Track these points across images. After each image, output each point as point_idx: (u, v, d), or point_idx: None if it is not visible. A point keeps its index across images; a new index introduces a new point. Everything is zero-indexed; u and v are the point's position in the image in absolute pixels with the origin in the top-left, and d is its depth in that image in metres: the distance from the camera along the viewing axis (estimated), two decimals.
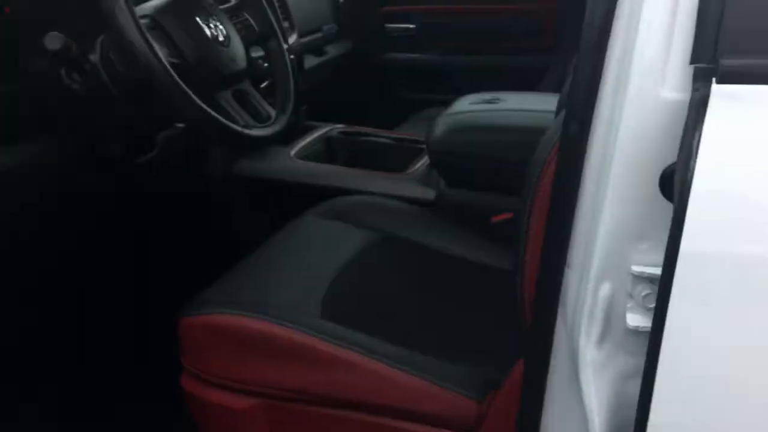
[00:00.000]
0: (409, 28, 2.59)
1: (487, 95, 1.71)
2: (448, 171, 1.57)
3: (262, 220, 1.76)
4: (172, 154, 1.47)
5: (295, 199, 1.71)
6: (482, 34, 2.53)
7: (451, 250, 1.42)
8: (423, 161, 1.71)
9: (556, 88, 2.04)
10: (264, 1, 1.42)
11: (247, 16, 1.39)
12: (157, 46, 1.08)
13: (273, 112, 1.34)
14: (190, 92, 1.10)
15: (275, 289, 1.19)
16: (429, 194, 1.59)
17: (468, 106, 1.63)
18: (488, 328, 1.16)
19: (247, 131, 1.21)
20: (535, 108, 1.59)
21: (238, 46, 1.29)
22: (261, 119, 1.30)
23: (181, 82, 1.08)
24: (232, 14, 1.36)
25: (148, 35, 1.06)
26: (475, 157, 1.51)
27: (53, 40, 1.12)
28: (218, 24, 1.25)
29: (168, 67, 1.07)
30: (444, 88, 2.60)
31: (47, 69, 1.22)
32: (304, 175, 1.68)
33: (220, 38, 1.24)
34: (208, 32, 1.22)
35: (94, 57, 1.20)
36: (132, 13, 1.05)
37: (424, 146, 1.82)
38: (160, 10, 1.18)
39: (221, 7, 1.33)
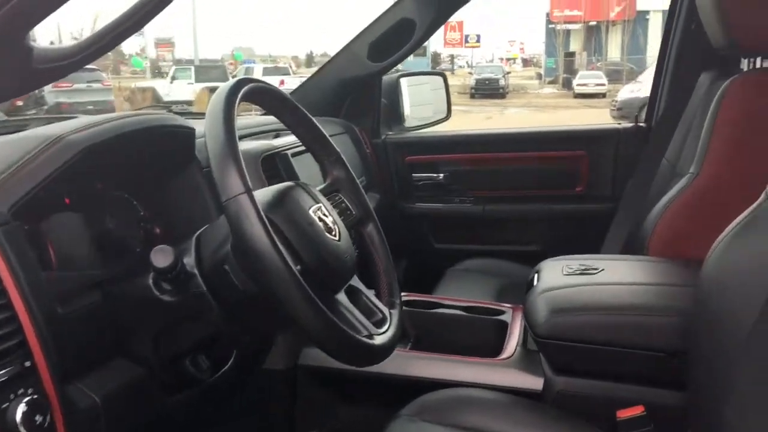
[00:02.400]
0: (436, 177, 2.48)
1: (575, 262, 1.56)
2: (559, 357, 1.39)
3: (332, 416, 1.52)
4: (244, 361, 1.25)
5: (374, 392, 1.49)
6: (514, 182, 2.44)
7: None
8: (515, 341, 1.52)
9: (621, 248, 1.92)
10: (357, 181, 1.26)
11: (342, 197, 1.23)
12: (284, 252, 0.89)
13: (385, 309, 1.14)
14: (323, 306, 0.90)
15: None
16: (535, 383, 1.40)
17: (565, 278, 1.47)
18: None
19: (373, 342, 1.01)
20: (649, 281, 1.45)
21: (347, 237, 1.11)
22: (376, 320, 1.10)
23: (312, 295, 0.89)
24: (328, 196, 1.19)
25: (276, 240, 0.87)
26: (593, 341, 1.33)
27: (163, 257, 0.91)
28: (326, 214, 1.07)
29: (300, 278, 0.88)
30: (479, 239, 2.47)
31: (130, 278, 1.01)
32: (384, 365, 1.45)
33: (333, 233, 1.05)
34: (321, 226, 1.03)
35: (189, 261, 1.00)
36: (260, 216, 0.87)
37: (501, 317, 1.66)
38: (271, 206, 1.00)
39: (318, 188, 1.16)
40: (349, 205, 1.23)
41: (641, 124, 2.35)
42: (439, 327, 1.67)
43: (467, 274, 2.25)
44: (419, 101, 2.88)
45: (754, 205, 1.18)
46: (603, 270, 1.49)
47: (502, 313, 1.67)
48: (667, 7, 2.22)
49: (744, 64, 1.81)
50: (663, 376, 1.32)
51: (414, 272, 2.46)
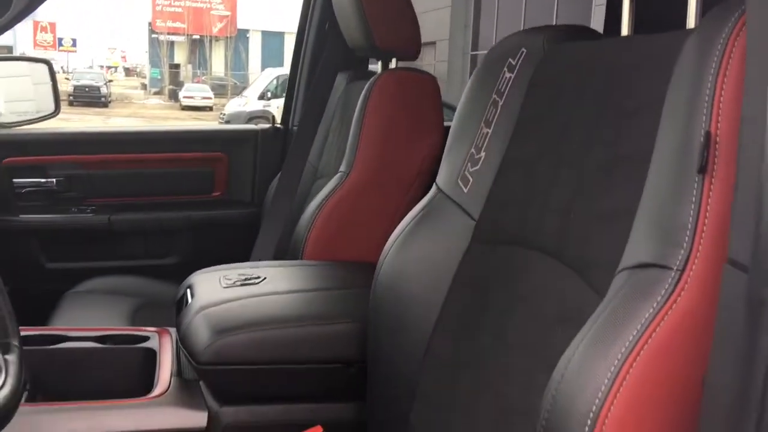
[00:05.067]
0: (45, 183, 2.05)
1: (232, 272, 1.38)
2: (225, 384, 1.18)
3: None
4: None
5: None
6: (145, 187, 2.15)
7: None
8: (168, 371, 1.26)
9: (273, 256, 1.79)
10: None
11: None
12: None
13: None
14: None
15: None
16: (198, 420, 1.16)
17: (224, 291, 1.28)
18: None
19: None
20: (318, 286, 1.33)
21: None
22: None
23: None
24: None
25: None
26: (264, 361, 1.16)
27: None
28: None
29: None
30: (104, 254, 2.11)
31: None
32: None
33: None
34: None
35: None
36: None
37: (145, 344, 1.38)
38: None
39: None
40: None
41: (279, 126, 2.27)
42: (66, 367, 1.32)
43: (91, 296, 1.89)
44: (18, 93, 2.38)
45: (426, 199, 1.15)
46: (265, 279, 1.34)
47: (146, 339, 1.39)
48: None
49: (377, 66, 1.83)
50: (340, 390, 1.21)
51: (20, 301, 1.99)
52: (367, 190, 1.59)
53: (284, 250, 1.74)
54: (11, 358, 0.83)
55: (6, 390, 0.76)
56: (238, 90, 24.67)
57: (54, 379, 1.28)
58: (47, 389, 1.25)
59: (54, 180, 2.05)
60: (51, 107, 2.33)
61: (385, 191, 1.61)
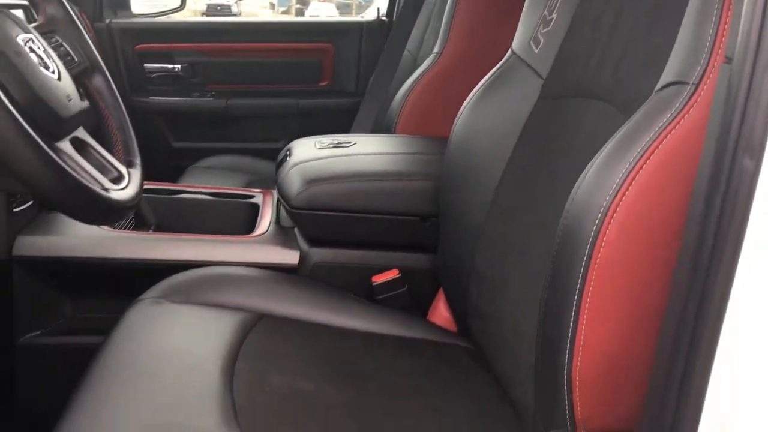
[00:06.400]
0: (172, 69, 2.26)
1: (327, 138, 1.52)
2: (314, 228, 1.33)
3: (59, 313, 1.32)
4: None
5: (112, 283, 1.32)
6: (258, 75, 2.32)
7: (340, 322, 1.18)
8: (268, 219, 1.43)
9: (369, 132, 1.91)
10: (80, 23, 1.05)
11: (60, 40, 1.01)
12: None
13: (123, 168, 0.98)
14: (44, 145, 0.73)
15: (159, 409, 0.84)
16: (291, 258, 1.33)
17: (318, 152, 1.42)
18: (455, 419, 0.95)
19: (110, 196, 0.86)
20: (401, 151, 1.44)
21: (69, 79, 0.92)
22: (112, 177, 0.94)
23: (30, 130, 0.71)
24: (43, 37, 0.98)
25: None
26: (348, 209, 1.30)
27: None
28: (40, 47, 0.87)
29: (10, 107, 0.70)
30: (222, 136, 2.32)
31: None
32: (121, 249, 1.29)
33: (51, 69, 0.86)
34: (35, 58, 0.84)
35: None
36: None
37: (250, 200, 1.56)
38: None
39: (32, 26, 0.94)
40: (69, 50, 1.02)
41: (384, 18, 2.36)
42: (184, 212, 1.52)
43: (210, 170, 2.11)
44: None
45: (500, 63, 1.21)
46: (356, 143, 1.47)
47: (252, 197, 1.58)
48: None
49: None
50: (415, 241, 1.34)
51: (148, 173, 2.25)
52: (458, 70, 1.67)
53: (379, 129, 1.86)
54: (134, 171, 1.01)
55: (129, 191, 0.94)
56: (363, 9, 24.64)
57: (174, 221, 1.49)
58: (169, 228, 1.45)
59: (179, 66, 2.26)
60: (177, 2, 2.54)
61: (475, 72, 1.66)
